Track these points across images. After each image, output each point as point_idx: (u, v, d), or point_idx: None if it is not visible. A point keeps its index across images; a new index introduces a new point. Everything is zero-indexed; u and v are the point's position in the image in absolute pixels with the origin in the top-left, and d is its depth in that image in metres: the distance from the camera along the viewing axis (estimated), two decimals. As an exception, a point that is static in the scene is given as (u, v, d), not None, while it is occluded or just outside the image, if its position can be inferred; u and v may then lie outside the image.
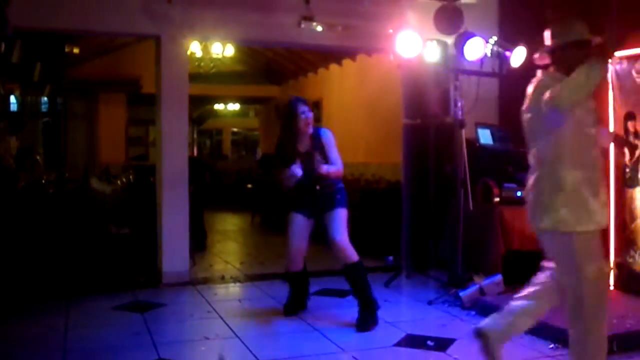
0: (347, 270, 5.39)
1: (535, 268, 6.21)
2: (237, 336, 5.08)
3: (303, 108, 5.49)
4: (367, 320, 5.28)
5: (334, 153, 5.48)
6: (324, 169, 5.34)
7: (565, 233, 3.62)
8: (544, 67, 3.91)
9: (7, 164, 8.04)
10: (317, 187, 5.45)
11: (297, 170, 5.31)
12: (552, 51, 3.80)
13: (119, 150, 14.14)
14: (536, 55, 3.95)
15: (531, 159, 3.80)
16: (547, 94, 3.48)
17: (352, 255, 5.36)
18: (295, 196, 5.57)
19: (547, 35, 3.83)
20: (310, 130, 5.52)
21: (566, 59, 3.67)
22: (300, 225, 5.55)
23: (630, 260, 5.85)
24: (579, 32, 3.71)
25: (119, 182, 8.75)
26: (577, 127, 3.62)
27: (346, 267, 5.38)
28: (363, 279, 5.41)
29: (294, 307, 5.76)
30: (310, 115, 5.53)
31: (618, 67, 5.94)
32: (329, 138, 5.52)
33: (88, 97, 13.92)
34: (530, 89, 3.78)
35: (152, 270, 7.03)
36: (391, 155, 8.96)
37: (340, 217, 5.39)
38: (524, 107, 3.81)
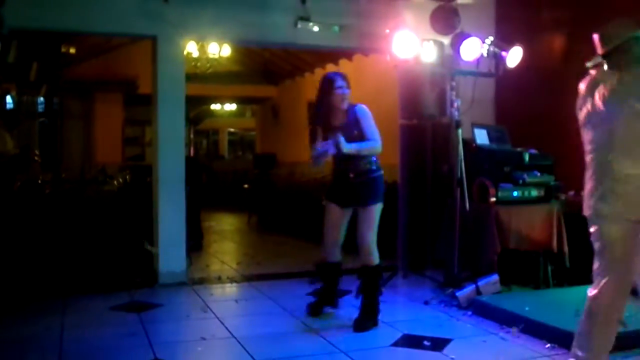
0: (364, 270, 5.33)
1: (531, 267, 6.27)
2: (233, 336, 5.07)
3: (341, 82, 5.27)
4: (366, 322, 5.24)
5: (369, 128, 5.19)
6: (347, 146, 5.09)
7: (602, 219, 3.70)
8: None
9: (6, 157, 8.05)
10: (351, 175, 5.25)
11: (323, 146, 5.13)
12: (607, 55, 3.82)
13: (115, 151, 14.13)
14: (589, 64, 3.95)
15: (587, 148, 3.85)
16: (601, 89, 3.60)
17: (374, 258, 5.27)
18: (331, 183, 5.49)
19: (597, 40, 3.86)
20: (345, 106, 5.28)
21: (620, 57, 3.69)
22: (333, 214, 5.43)
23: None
24: (629, 30, 3.74)
25: (115, 182, 8.74)
26: (633, 118, 3.64)
27: (364, 267, 5.32)
28: (376, 283, 5.35)
29: (322, 303, 5.66)
30: (347, 92, 5.28)
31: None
32: (364, 113, 5.25)
33: (84, 97, 13.90)
34: (582, 86, 3.84)
35: (148, 271, 7.02)
36: (388, 156, 8.88)
37: (371, 216, 5.23)
38: (577, 105, 3.86)
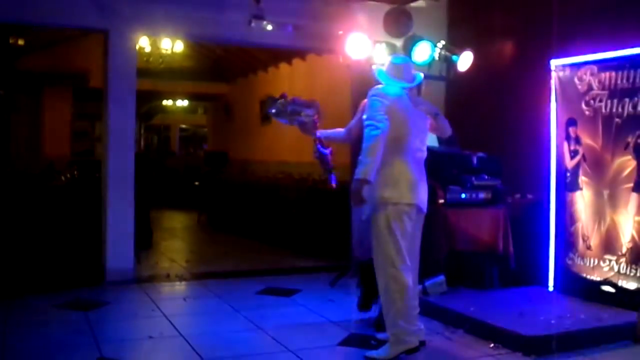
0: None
1: (477, 269, 6.37)
2: (181, 335, 5.05)
3: None
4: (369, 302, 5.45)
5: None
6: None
7: None
8: None
9: None
10: None
11: None
12: None
13: (63, 145, 13.88)
14: None
15: None
16: None
17: None
18: None
19: None
20: None
21: None
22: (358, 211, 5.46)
23: (569, 262, 5.99)
24: None
25: (63, 177, 8.60)
26: None
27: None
28: None
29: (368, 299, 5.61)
30: None
31: (561, 74, 6.08)
32: None
33: (33, 90, 13.63)
34: None
35: (95, 268, 6.93)
36: (340, 156, 8.96)
37: None
38: None
